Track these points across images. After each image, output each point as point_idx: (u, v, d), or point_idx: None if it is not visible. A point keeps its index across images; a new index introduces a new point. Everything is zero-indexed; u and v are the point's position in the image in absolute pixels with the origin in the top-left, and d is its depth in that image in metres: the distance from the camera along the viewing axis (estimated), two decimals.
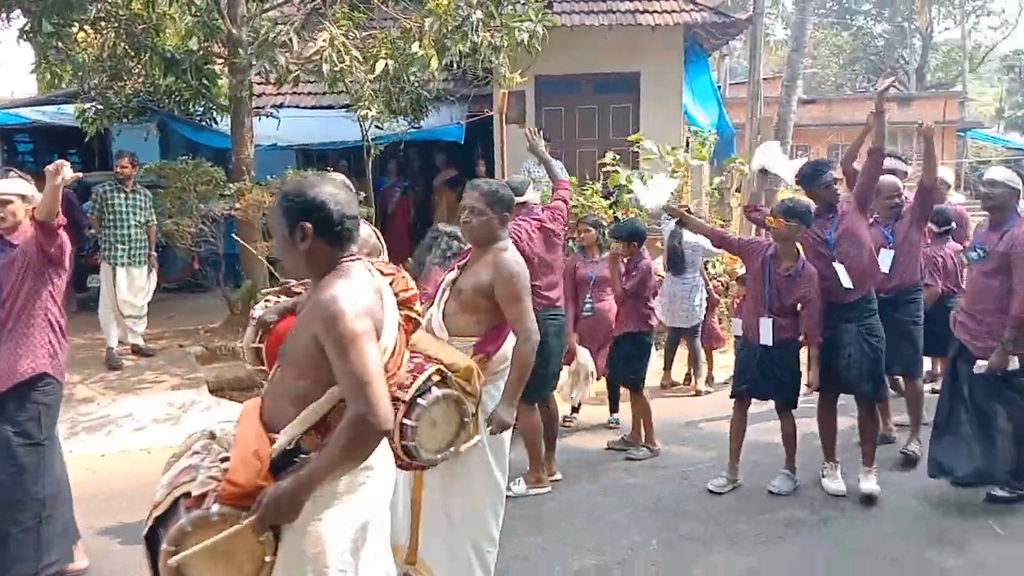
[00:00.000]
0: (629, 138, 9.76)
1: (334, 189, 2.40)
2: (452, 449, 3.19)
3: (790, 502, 4.99)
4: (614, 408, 6.51)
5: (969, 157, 32.66)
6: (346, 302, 2.24)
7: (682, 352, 7.74)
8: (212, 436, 2.45)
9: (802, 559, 4.28)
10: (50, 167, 3.62)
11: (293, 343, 2.43)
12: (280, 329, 3.47)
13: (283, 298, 3.69)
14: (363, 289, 2.35)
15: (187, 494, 2.24)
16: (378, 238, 4.78)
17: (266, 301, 3.61)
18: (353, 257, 2.43)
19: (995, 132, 40.67)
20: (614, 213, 8.71)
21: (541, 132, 10.26)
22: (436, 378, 3.13)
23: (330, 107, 10.55)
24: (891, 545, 4.42)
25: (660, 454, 5.80)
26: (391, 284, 2.58)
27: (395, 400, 2.94)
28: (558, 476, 5.33)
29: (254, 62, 7.33)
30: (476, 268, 3.57)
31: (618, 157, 9.11)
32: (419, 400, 3.04)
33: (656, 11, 10.79)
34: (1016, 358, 4.68)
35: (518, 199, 4.83)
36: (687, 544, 4.45)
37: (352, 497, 2.36)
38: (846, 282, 4.97)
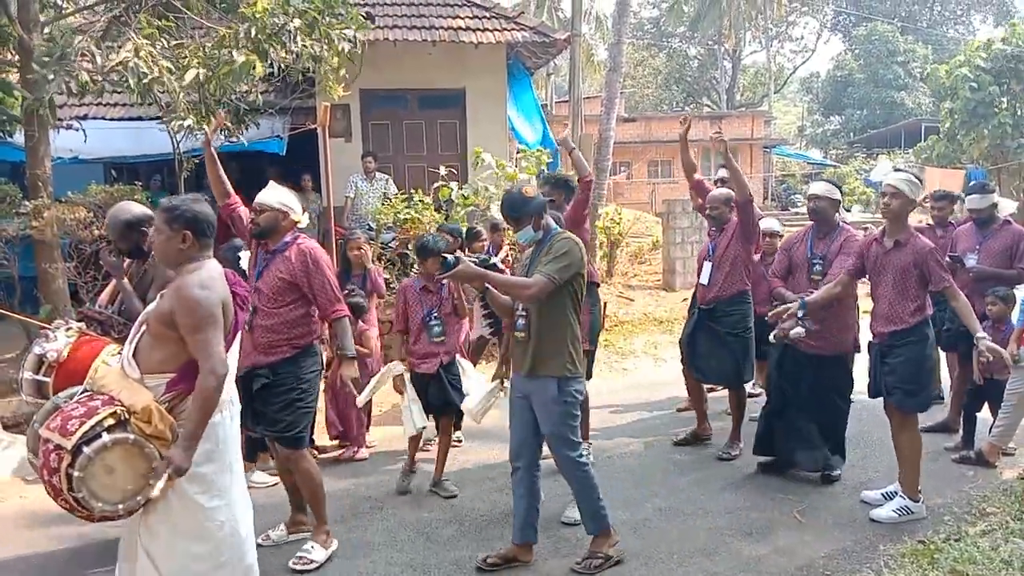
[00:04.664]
0: (473, 150, 9.88)
1: None
2: (140, 498, 3.00)
3: (616, 505, 5.10)
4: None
5: (775, 171, 35.26)
6: None
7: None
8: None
9: (628, 555, 4.39)
10: None
11: None
12: (72, 363, 3.20)
13: (72, 326, 3.43)
14: None
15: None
16: None
17: (52, 330, 3.35)
18: None
19: (797, 148, 44.18)
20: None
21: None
22: (109, 422, 2.93)
23: (139, 118, 9.99)
24: (706, 537, 4.64)
25: (487, 465, 5.81)
26: None
27: (58, 449, 2.85)
28: (335, 546, 4.52)
29: (51, 76, 6.75)
30: (165, 294, 3.21)
31: (449, 170, 9.21)
32: (84, 448, 2.86)
33: (479, 29, 10.96)
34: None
35: (295, 220, 4.31)
36: None
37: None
38: None
